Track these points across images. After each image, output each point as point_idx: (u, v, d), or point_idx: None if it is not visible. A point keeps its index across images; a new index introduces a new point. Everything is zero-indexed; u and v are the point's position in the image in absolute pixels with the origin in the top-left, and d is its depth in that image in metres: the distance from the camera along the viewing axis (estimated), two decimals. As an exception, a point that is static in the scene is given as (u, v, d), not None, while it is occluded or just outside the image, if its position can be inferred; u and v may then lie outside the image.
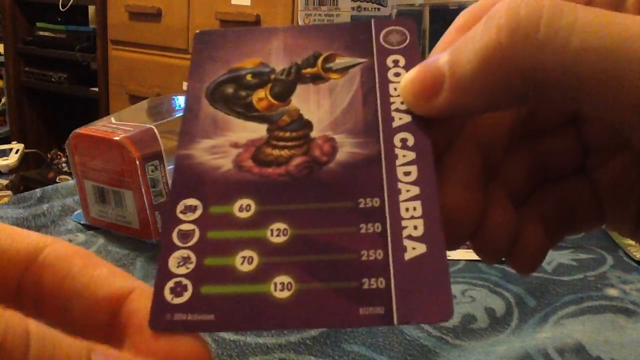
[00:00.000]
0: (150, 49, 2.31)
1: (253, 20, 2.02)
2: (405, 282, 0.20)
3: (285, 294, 0.20)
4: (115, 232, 0.58)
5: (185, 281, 0.20)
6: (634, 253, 0.54)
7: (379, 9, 0.77)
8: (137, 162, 0.53)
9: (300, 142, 0.23)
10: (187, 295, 0.20)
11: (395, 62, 0.25)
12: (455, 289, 0.49)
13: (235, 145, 0.24)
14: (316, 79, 0.25)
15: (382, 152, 0.23)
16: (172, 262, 0.21)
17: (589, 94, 0.20)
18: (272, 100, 0.25)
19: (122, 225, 0.56)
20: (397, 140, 0.23)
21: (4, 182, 2.39)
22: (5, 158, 2.45)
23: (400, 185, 0.22)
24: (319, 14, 0.77)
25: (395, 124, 0.24)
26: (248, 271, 0.20)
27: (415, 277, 0.20)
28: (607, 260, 0.54)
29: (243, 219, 0.22)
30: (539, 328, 0.44)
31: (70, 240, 0.56)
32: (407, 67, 0.25)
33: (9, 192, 2.28)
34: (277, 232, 0.21)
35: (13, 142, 2.63)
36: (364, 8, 0.75)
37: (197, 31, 0.27)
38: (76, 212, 0.62)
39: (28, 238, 0.21)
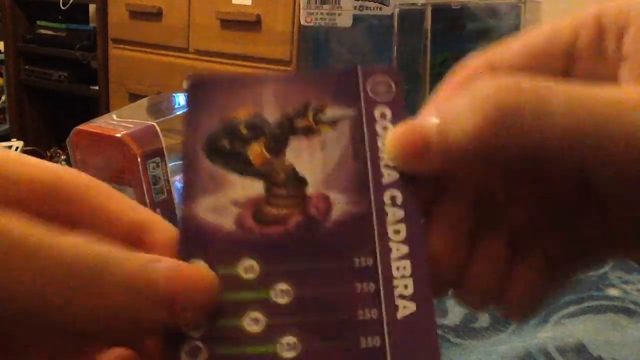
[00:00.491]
0: (150, 47, 2.31)
1: (254, 20, 2.02)
2: (398, 340, 0.22)
3: (291, 354, 0.21)
4: (115, 229, 0.57)
5: (199, 344, 0.22)
6: (635, 253, 0.54)
7: (381, 8, 0.76)
8: (139, 159, 0.53)
9: (297, 201, 0.24)
10: (202, 358, 0.21)
11: (382, 115, 0.25)
12: (456, 288, 0.49)
13: (235, 203, 0.24)
14: (308, 132, 0.25)
15: (374, 210, 0.24)
16: None
17: (578, 160, 0.22)
18: (267, 156, 0.25)
19: (123, 222, 0.56)
20: (386, 197, 0.24)
21: (4, 180, 2.39)
22: (5, 156, 2.45)
23: (390, 244, 0.23)
24: (321, 13, 0.77)
25: (385, 180, 0.24)
26: (256, 332, 0.22)
27: (406, 336, 0.22)
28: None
29: (248, 280, 0.23)
30: (540, 327, 0.44)
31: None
32: (393, 121, 0.25)
33: (8, 190, 2.27)
34: (281, 294, 0.22)
35: (13, 140, 2.63)
36: (366, 7, 0.75)
37: (188, 77, 0.27)
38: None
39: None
